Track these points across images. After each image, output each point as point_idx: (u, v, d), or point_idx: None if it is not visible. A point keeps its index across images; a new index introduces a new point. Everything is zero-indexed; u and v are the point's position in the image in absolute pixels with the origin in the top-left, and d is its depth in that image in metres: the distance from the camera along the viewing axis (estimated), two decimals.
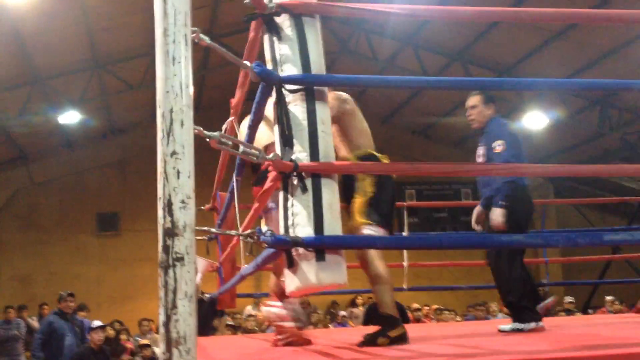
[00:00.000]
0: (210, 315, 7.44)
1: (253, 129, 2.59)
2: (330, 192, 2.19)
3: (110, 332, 8.97)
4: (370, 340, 2.76)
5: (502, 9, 2.87)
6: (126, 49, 11.27)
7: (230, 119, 3.26)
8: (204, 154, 2.66)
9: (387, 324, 2.78)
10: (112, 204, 14.14)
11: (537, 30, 10.42)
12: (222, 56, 2.21)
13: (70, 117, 12.45)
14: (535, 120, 13.15)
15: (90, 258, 14.09)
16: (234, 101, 3.28)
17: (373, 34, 12.16)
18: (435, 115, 14.64)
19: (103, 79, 11.95)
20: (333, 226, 2.14)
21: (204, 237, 5.42)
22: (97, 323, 7.54)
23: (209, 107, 12.51)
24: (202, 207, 5.92)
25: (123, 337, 9.28)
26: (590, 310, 11.51)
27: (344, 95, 3.26)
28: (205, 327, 7.37)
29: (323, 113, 2.28)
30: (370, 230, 2.90)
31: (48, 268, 13.68)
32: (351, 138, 3.18)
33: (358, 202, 3.01)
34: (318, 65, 2.30)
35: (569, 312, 9.88)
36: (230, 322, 8.10)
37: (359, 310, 11.69)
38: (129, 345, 8.98)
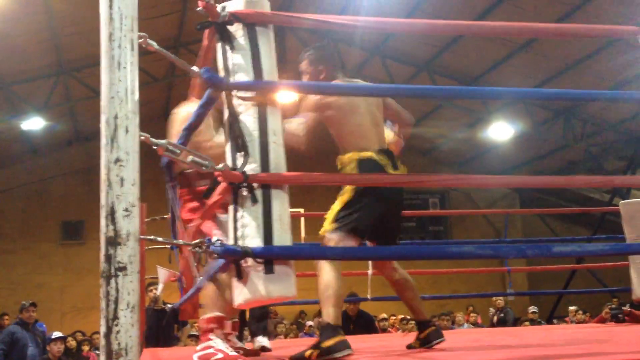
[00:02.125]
0: (172, 326, 7.36)
1: (189, 132, 2.48)
2: (280, 204, 2.17)
3: (72, 343, 8.80)
4: (299, 356, 2.62)
5: (466, 22, 2.90)
6: (92, 55, 11.13)
7: None
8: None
9: (324, 335, 2.63)
10: (77, 212, 13.90)
11: (502, 42, 10.57)
12: (192, 63, 2.20)
13: (34, 124, 12.24)
14: (500, 131, 13.33)
15: (54, 267, 13.84)
16: None
17: (341, 43, 12.21)
18: None
19: (68, 85, 11.78)
20: (282, 237, 2.12)
21: (167, 246, 5.36)
22: (56, 334, 7.40)
23: None
24: (165, 216, 5.86)
25: (85, 347, 9.11)
26: (554, 320, 11.64)
27: None
28: (167, 337, 7.29)
29: (275, 123, 2.26)
30: (332, 236, 2.82)
31: (10, 277, 13.40)
32: (343, 136, 3.02)
33: (333, 207, 2.93)
34: (271, 74, 2.28)
35: (532, 322, 9.98)
36: (194, 332, 8.00)
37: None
38: (92, 355, 8.83)
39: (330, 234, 2.84)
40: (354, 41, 11.91)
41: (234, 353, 2.81)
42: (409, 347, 3.11)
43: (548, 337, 4.10)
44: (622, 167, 13.42)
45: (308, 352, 2.58)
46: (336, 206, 2.93)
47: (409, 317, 10.34)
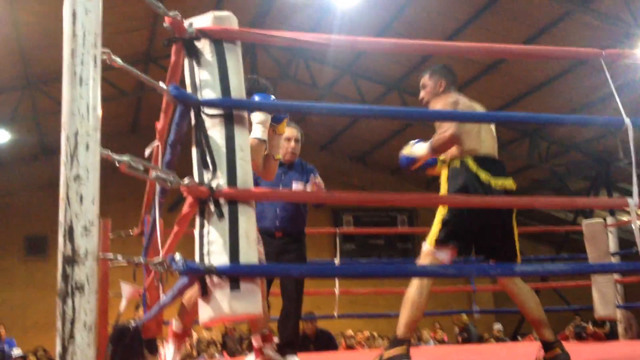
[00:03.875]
0: (137, 343, 7.22)
1: (174, 149, 2.53)
2: (247, 220, 2.15)
3: None
4: None
5: (435, 42, 2.96)
6: (60, 68, 10.99)
7: (156, 143, 3.19)
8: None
9: (390, 346, 2.92)
10: (40, 227, 13.62)
11: (470, 62, 10.73)
12: (162, 78, 2.19)
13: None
14: None
15: (16, 283, 13.53)
16: (159, 125, 3.22)
17: (313, 61, 12.28)
18: (373, 143, 14.85)
19: (35, 98, 11.61)
20: (249, 254, 2.10)
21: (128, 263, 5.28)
22: (16, 352, 7.23)
23: (147, 129, 12.31)
24: (131, 232, 5.79)
25: None
26: (519, 337, 11.75)
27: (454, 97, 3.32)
28: (132, 355, 7.14)
29: (242, 139, 2.25)
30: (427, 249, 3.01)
31: None
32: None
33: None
34: (238, 91, 2.27)
35: (498, 340, 10.05)
36: None
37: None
38: None
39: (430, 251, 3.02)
40: (325, 59, 11.99)
41: None
42: None
43: (512, 354, 4.13)
44: (586, 187, 13.66)
45: None
46: (436, 221, 3.12)
47: (375, 333, 10.36)
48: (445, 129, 3.08)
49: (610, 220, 6.23)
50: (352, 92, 12.28)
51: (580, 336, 6.21)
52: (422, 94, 3.41)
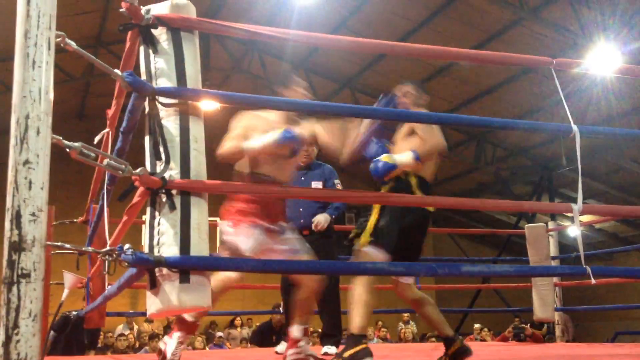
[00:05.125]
0: (79, 334, 7.05)
1: (126, 137, 2.49)
2: (199, 212, 2.13)
3: None
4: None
5: (391, 42, 2.97)
6: (8, 49, 10.63)
7: (106, 130, 3.13)
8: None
9: (348, 344, 2.91)
10: None
11: (422, 64, 10.87)
12: (112, 64, 2.13)
13: None
14: None
15: None
16: (110, 112, 3.16)
17: (266, 55, 12.22)
18: None
19: None
20: (200, 247, 2.08)
21: (74, 251, 5.15)
22: None
23: (94, 116, 12.03)
24: (76, 220, 5.66)
25: None
26: (460, 337, 11.98)
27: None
28: (73, 345, 6.98)
29: (197, 130, 2.22)
30: (368, 249, 3.04)
31: None
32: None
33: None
34: (194, 81, 2.25)
35: (438, 338, 10.22)
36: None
37: (238, 332, 11.55)
38: None
39: (367, 248, 3.06)
40: (280, 53, 11.95)
41: None
42: None
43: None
44: (529, 192, 14.03)
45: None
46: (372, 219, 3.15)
47: (319, 330, 10.41)
48: (434, 142, 3.19)
49: (551, 224, 6.41)
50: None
51: (519, 337, 6.36)
52: (404, 99, 3.48)
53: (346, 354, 2.84)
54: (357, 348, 2.86)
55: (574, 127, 2.69)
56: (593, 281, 2.42)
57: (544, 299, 5.73)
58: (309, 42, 2.96)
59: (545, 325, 7.80)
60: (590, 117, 10.11)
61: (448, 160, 13.89)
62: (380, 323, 11.77)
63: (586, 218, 8.58)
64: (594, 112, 10.13)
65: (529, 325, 6.65)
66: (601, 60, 8.74)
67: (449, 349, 3.15)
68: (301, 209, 4.54)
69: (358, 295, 2.98)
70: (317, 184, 4.62)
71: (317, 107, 2.83)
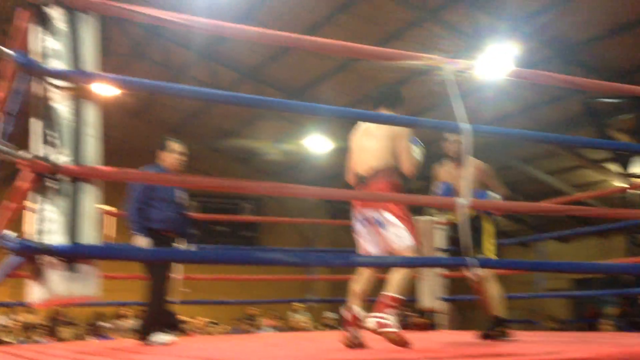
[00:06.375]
0: None
1: (13, 119, 2.38)
2: (91, 199, 2.08)
3: None
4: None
5: (296, 35, 3.00)
6: None
7: None
8: None
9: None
10: None
11: (325, 58, 10.99)
12: None
13: None
14: (319, 144, 13.86)
15: None
16: None
17: (168, 42, 11.95)
18: (225, 130, 14.77)
19: None
20: (89, 235, 2.03)
21: None
22: None
23: None
24: None
25: None
26: None
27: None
28: None
29: (92, 115, 2.17)
30: None
31: None
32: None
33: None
34: (90, 64, 2.19)
35: (331, 328, 10.45)
36: None
37: (124, 322, 11.26)
38: None
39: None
40: (182, 41, 11.72)
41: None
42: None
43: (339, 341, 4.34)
44: (423, 187, 14.50)
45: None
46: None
47: (214, 321, 10.37)
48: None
49: (438, 218, 6.68)
50: (207, 77, 12.11)
51: (405, 325, 6.62)
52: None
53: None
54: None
55: (466, 126, 2.83)
56: (471, 272, 2.58)
57: (430, 289, 5.99)
58: (214, 30, 2.93)
59: (431, 314, 8.13)
60: (484, 116, 10.59)
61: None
62: (274, 313, 11.86)
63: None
64: (487, 112, 10.62)
65: (415, 314, 6.91)
66: (493, 63, 9.19)
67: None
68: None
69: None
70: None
71: (220, 98, 2.83)
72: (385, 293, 3.26)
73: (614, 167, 11.88)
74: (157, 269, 4.42)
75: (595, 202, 12.84)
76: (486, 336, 4.15)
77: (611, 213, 4.21)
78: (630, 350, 2.60)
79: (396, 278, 3.30)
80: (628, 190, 10.65)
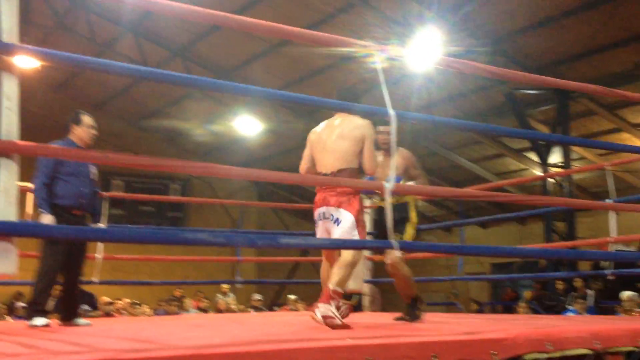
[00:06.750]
0: None
1: None
2: (8, 175, 2.01)
3: None
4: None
5: (226, 14, 2.96)
6: None
7: None
8: None
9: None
10: None
11: (256, 39, 10.91)
12: None
13: None
14: (248, 125, 13.75)
15: None
16: None
17: (93, 14, 11.56)
18: (151, 108, 14.47)
19: None
20: (7, 211, 1.97)
21: None
22: None
23: None
24: None
25: None
26: (275, 308, 12.35)
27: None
28: None
29: (10, 88, 2.09)
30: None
31: None
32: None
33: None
34: (10, 34, 2.11)
35: (256, 309, 10.47)
36: None
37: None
38: None
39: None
40: (108, 14, 11.37)
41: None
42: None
43: (265, 322, 4.38)
44: None
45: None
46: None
47: (138, 302, 10.19)
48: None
49: (367, 202, 6.79)
50: (134, 52, 11.80)
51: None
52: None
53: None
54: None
55: (391, 112, 2.88)
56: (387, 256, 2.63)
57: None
58: (140, 5, 2.86)
59: (356, 296, 8.28)
60: (412, 104, 10.78)
61: (279, 135, 14.13)
62: (200, 294, 11.78)
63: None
64: (416, 99, 10.82)
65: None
66: (422, 51, 9.35)
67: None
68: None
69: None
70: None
71: (148, 75, 2.77)
72: (330, 286, 3.50)
73: (534, 156, 12.35)
74: (49, 247, 4.25)
75: (515, 189, 13.32)
76: (407, 316, 4.27)
77: (530, 200, 4.37)
78: (540, 331, 2.75)
79: (339, 273, 3.58)
80: (546, 179, 11.12)
